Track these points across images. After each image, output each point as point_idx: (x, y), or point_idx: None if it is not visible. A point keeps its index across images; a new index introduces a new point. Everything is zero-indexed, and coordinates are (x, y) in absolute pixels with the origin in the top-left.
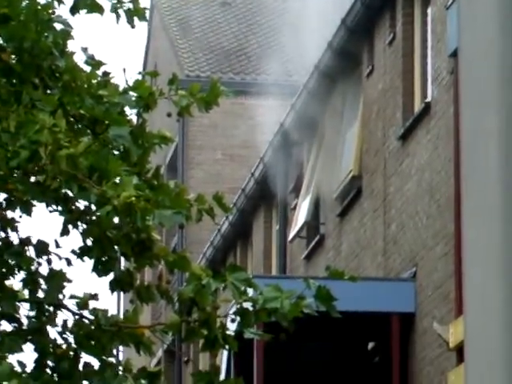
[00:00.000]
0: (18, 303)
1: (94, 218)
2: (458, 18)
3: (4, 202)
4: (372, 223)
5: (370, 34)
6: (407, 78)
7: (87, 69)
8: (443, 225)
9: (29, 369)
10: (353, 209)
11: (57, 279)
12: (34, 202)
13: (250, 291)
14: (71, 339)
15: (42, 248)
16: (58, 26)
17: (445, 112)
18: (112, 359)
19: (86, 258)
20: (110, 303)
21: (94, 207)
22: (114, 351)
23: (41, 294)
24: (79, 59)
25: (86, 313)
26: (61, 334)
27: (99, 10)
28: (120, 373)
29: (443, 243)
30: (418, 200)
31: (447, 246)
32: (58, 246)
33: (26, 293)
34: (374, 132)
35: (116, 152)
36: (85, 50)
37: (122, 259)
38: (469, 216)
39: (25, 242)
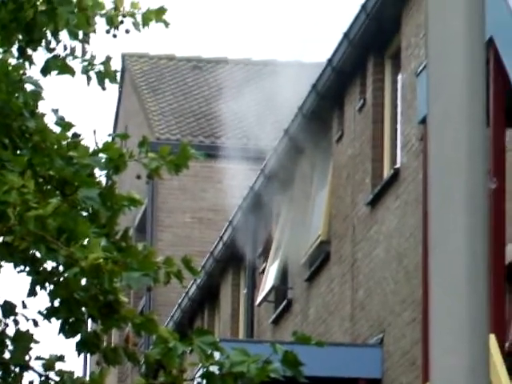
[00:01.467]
0: None
1: (61, 279)
2: (426, 86)
3: None
4: (340, 288)
5: (340, 100)
6: (377, 144)
7: (57, 130)
8: (411, 291)
9: None
10: (321, 274)
11: (23, 340)
12: (2, 263)
13: (217, 355)
14: None
15: (8, 309)
16: (29, 87)
17: (414, 178)
18: None
19: (53, 320)
20: (77, 365)
21: (61, 268)
22: None
23: (7, 355)
24: (50, 120)
25: (52, 374)
26: None
27: (70, 71)
28: None
29: (411, 309)
30: (386, 266)
31: (414, 313)
32: (25, 306)
33: None
34: (343, 197)
35: (85, 213)
36: (55, 111)
37: (90, 321)
38: (435, 283)
39: None
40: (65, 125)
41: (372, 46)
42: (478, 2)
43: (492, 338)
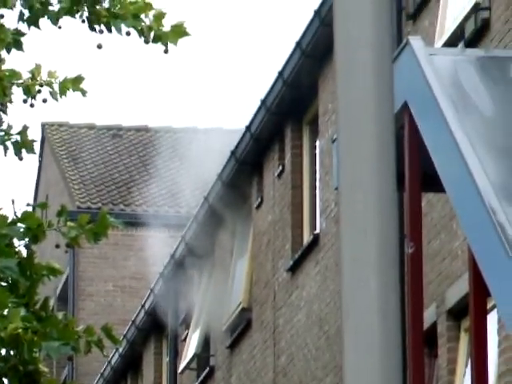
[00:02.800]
0: None
1: None
2: (337, 156)
3: None
4: (262, 355)
5: (260, 166)
6: (296, 210)
7: None
8: (332, 357)
9: None
10: (243, 341)
11: None
12: None
13: None
14: None
15: None
16: None
17: (333, 244)
18: None
19: None
20: None
21: None
22: None
23: None
24: None
25: None
26: None
27: None
28: None
29: (332, 375)
30: (308, 331)
31: (336, 378)
32: None
33: None
34: (263, 263)
35: (4, 283)
36: None
37: None
38: (348, 348)
39: None
40: None
41: (290, 112)
42: (388, 67)
43: None
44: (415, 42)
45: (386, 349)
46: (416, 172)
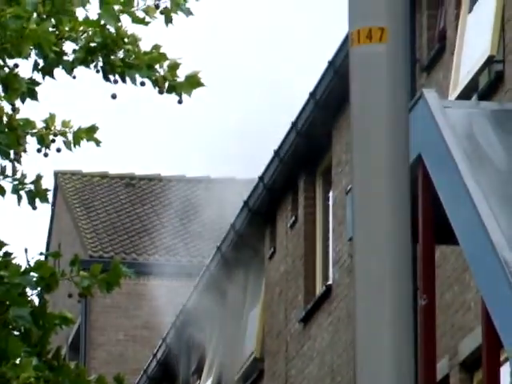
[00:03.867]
0: None
1: None
2: (351, 208)
3: None
4: None
5: (273, 217)
6: (309, 261)
7: None
8: None
9: None
10: None
11: None
12: None
13: None
14: None
15: None
16: None
17: (346, 295)
18: None
19: None
20: None
21: None
22: None
23: None
24: None
25: None
26: None
27: (0, 191)
28: None
29: None
30: (319, 382)
31: None
32: None
33: None
34: (275, 314)
35: (16, 332)
36: None
37: None
38: None
39: None
40: None
41: (303, 163)
42: (404, 121)
43: None
44: (429, 94)
45: None
46: (430, 224)
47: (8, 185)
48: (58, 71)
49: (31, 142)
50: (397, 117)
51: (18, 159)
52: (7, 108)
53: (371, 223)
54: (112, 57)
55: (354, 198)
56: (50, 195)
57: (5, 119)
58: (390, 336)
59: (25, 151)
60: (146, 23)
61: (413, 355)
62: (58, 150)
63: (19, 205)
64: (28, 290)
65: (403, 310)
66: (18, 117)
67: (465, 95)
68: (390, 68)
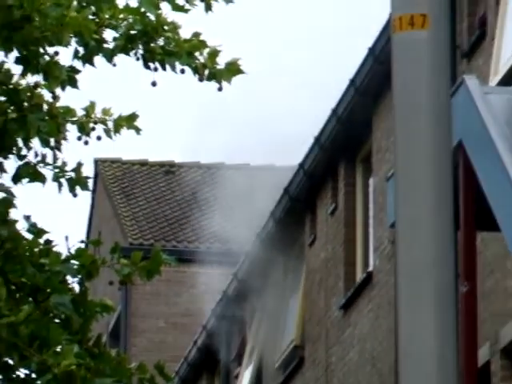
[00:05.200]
0: None
1: None
2: (394, 192)
3: None
4: None
5: (313, 204)
6: (349, 248)
7: (29, 237)
8: None
9: None
10: (295, 378)
11: None
12: None
13: None
14: None
15: None
16: (0, 195)
17: (386, 281)
18: None
19: None
20: None
21: (34, 376)
22: None
23: None
24: (21, 227)
25: None
26: None
27: (41, 179)
28: None
29: None
30: (360, 369)
31: None
32: None
33: None
34: (316, 301)
35: (57, 320)
36: (27, 218)
37: None
38: None
39: None
40: (37, 232)
41: (343, 150)
42: (446, 108)
43: None
44: (470, 80)
45: None
46: (471, 211)
47: (49, 172)
48: (98, 59)
49: (71, 130)
50: (439, 103)
51: (58, 147)
52: (47, 96)
53: (413, 210)
54: (152, 44)
55: (396, 184)
56: (90, 183)
57: (45, 107)
58: (432, 323)
59: (65, 139)
60: (186, 10)
61: (455, 342)
62: (99, 138)
63: (60, 192)
64: (69, 278)
65: (445, 297)
66: (58, 105)
67: (505, 81)
68: (431, 54)
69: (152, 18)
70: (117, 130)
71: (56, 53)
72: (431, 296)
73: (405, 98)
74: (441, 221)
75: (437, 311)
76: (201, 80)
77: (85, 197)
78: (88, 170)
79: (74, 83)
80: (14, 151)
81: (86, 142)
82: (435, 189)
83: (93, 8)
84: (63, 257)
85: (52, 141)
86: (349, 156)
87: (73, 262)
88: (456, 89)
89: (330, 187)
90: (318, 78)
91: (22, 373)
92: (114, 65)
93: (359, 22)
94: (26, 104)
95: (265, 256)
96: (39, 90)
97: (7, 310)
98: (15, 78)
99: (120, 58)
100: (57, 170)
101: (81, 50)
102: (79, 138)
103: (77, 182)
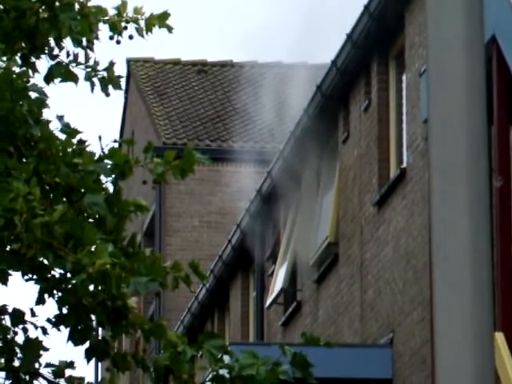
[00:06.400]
0: None
1: (69, 286)
2: (427, 87)
3: None
4: (349, 289)
5: (346, 101)
6: (382, 144)
7: (62, 137)
8: (420, 290)
9: None
10: (329, 275)
11: (33, 348)
12: (10, 271)
13: (227, 358)
14: None
15: (17, 317)
16: (33, 95)
17: (420, 178)
18: None
19: (61, 327)
20: (88, 371)
21: (69, 275)
22: None
23: (17, 363)
24: (54, 127)
25: (62, 381)
26: None
27: (73, 78)
28: None
29: (420, 309)
30: (395, 266)
31: (424, 312)
32: (33, 314)
33: (1, 361)
34: (350, 198)
35: (91, 220)
36: (60, 118)
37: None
38: (440, 283)
39: (0, 310)
40: (70, 132)
41: (376, 46)
42: (478, 2)
43: (500, 336)
44: None
45: (477, 285)
46: (504, 105)
47: (81, 72)
48: None
49: (103, 30)
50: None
51: (90, 46)
52: None
53: (445, 105)
54: None
55: (428, 80)
56: (122, 82)
57: (77, 7)
58: (466, 217)
59: (97, 38)
60: None
61: (489, 236)
62: (131, 37)
63: (92, 92)
64: (102, 178)
65: (480, 191)
66: (89, 4)
67: None
68: None
69: None
70: (149, 28)
71: None
72: (465, 191)
73: None
74: (474, 115)
75: (470, 206)
76: None
77: (118, 97)
78: (120, 70)
79: None
80: (46, 51)
81: (118, 42)
82: (468, 83)
83: None
84: (96, 157)
85: (84, 40)
86: (381, 52)
87: (106, 161)
88: None
89: (363, 84)
90: None
91: (56, 272)
92: None
93: None
94: (57, 3)
95: (298, 153)
96: None
97: (41, 209)
98: None
99: None
100: (89, 70)
101: None
102: (111, 38)
103: (109, 81)
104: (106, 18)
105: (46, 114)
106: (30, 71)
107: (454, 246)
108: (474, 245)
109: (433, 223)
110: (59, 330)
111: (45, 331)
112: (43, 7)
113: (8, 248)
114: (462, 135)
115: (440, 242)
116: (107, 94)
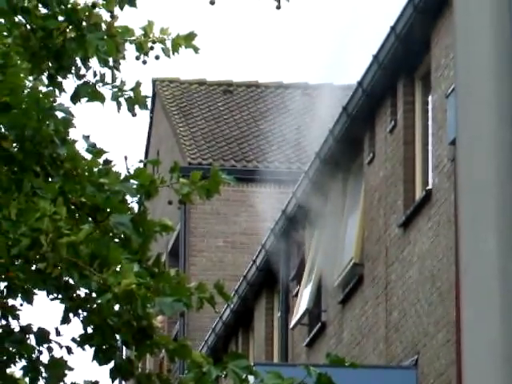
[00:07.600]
0: None
1: (94, 305)
2: (455, 109)
3: (5, 290)
4: (373, 310)
5: (372, 122)
6: (408, 166)
7: (89, 157)
8: (445, 312)
9: None
10: (354, 296)
11: (58, 367)
12: (35, 290)
13: (251, 378)
14: None
15: (42, 336)
16: (60, 114)
17: (446, 199)
18: None
19: (86, 347)
20: None
21: (94, 295)
22: None
23: (41, 382)
24: (80, 147)
25: None
26: None
27: (100, 98)
28: None
29: (445, 331)
30: (420, 287)
31: (449, 334)
32: (58, 333)
33: (26, 381)
34: (375, 219)
35: (117, 240)
36: (86, 138)
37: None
38: (468, 305)
39: (26, 329)
40: (96, 151)
41: (402, 67)
42: (506, 25)
43: None
44: None
45: (505, 307)
46: None
47: (107, 92)
48: None
49: (130, 50)
50: (501, 19)
51: (117, 66)
52: (106, 15)
53: (474, 126)
54: None
55: (457, 100)
56: (148, 102)
57: (104, 27)
58: (494, 239)
59: (123, 58)
60: None
61: None
62: (157, 58)
63: (119, 112)
64: (128, 198)
65: (509, 212)
66: (116, 24)
67: None
68: None
69: None
70: (175, 49)
71: None
72: (493, 212)
73: (466, 14)
74: (502, 136)
75: (499, 227)
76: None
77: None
78: (146, 90)
79: (132, 2)
80: (73, 71)
81: (145, 62)
82: (497, 104)
83: None
84: (122, 176)
85: (110, 60)
86: (407, 73)
87: (132, 181)
88: None
89: (389, 105)
90: None
91: (82, 292)
92: None
93: None
94: (84, 23)
95: (324, 174)
96: (97, 9)
97: (67, 229)
98: None
99: None
100: (115, 90)
101: None
102: (137, 58)
103: (135, 101)
104: (133, 38)
105: (73, 133)
106: (57, 91)
107: (482, 267)
108: (502, 266)
109: (460, 245)
110: (84, 349)
111: (70, 351)
112: (70, 27)
113: (34, 267)
114: (491, 156)
115: (468, 264)
116: (134, 114)
